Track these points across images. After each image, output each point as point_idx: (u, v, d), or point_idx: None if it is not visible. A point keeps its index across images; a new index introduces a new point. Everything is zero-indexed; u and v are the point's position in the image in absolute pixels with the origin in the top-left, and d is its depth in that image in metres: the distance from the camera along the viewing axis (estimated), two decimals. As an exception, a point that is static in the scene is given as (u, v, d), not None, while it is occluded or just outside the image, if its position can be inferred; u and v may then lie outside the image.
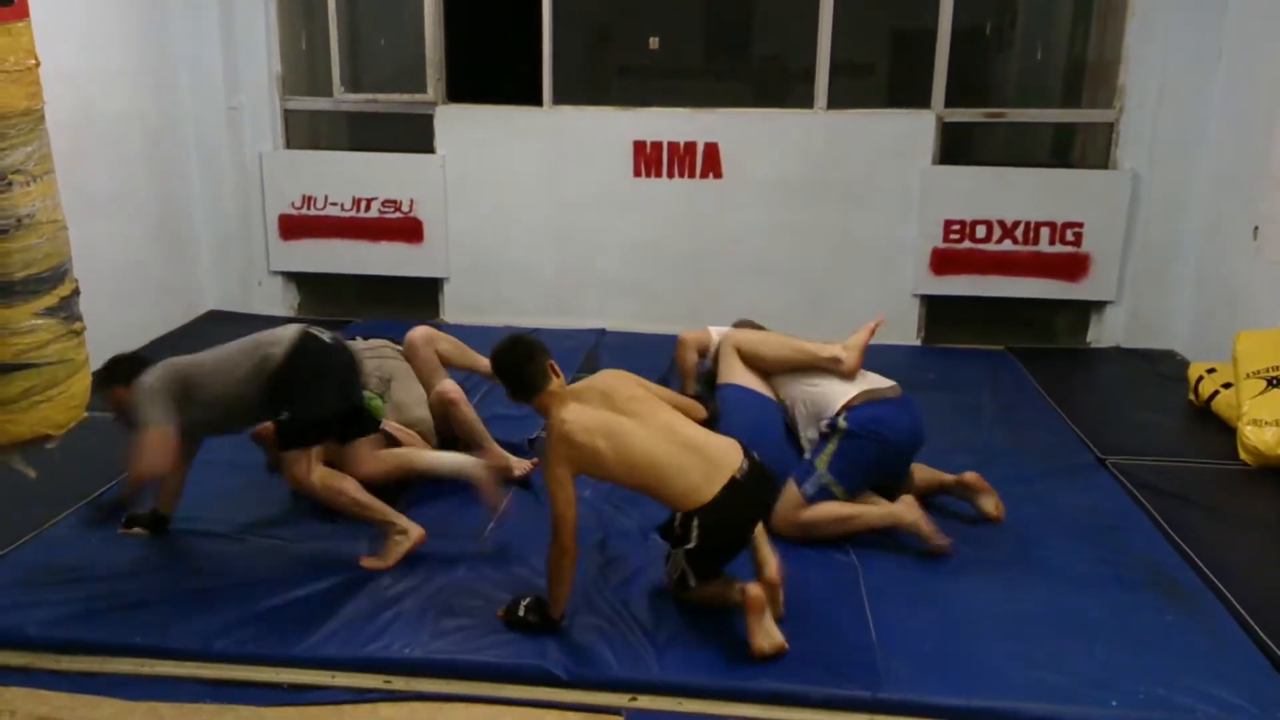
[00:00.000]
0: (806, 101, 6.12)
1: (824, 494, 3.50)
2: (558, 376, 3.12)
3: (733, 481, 2.94)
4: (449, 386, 4.14)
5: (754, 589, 2.91)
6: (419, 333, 4.28)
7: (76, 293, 3.03)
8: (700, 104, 6.21)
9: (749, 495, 2.99)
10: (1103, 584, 3.31)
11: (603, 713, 2.75)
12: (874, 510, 3.51)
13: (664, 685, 2.80)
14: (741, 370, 3.71)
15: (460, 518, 3.72)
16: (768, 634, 2.89)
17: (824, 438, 3.55)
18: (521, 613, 3.03)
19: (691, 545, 2.96)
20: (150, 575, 3.29)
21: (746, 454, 3.03)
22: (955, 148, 6.22)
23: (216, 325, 6.42)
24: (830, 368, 3.70)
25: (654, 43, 6.45)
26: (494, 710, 2.76)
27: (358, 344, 4.26)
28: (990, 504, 3.73)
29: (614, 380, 3.19)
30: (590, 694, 2.80)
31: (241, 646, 2.92)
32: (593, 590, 3.22)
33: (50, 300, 2.90)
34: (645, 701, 2.77)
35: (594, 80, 6.91)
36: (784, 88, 6.65)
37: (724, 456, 2.99)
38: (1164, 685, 2.79)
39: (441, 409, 4.12)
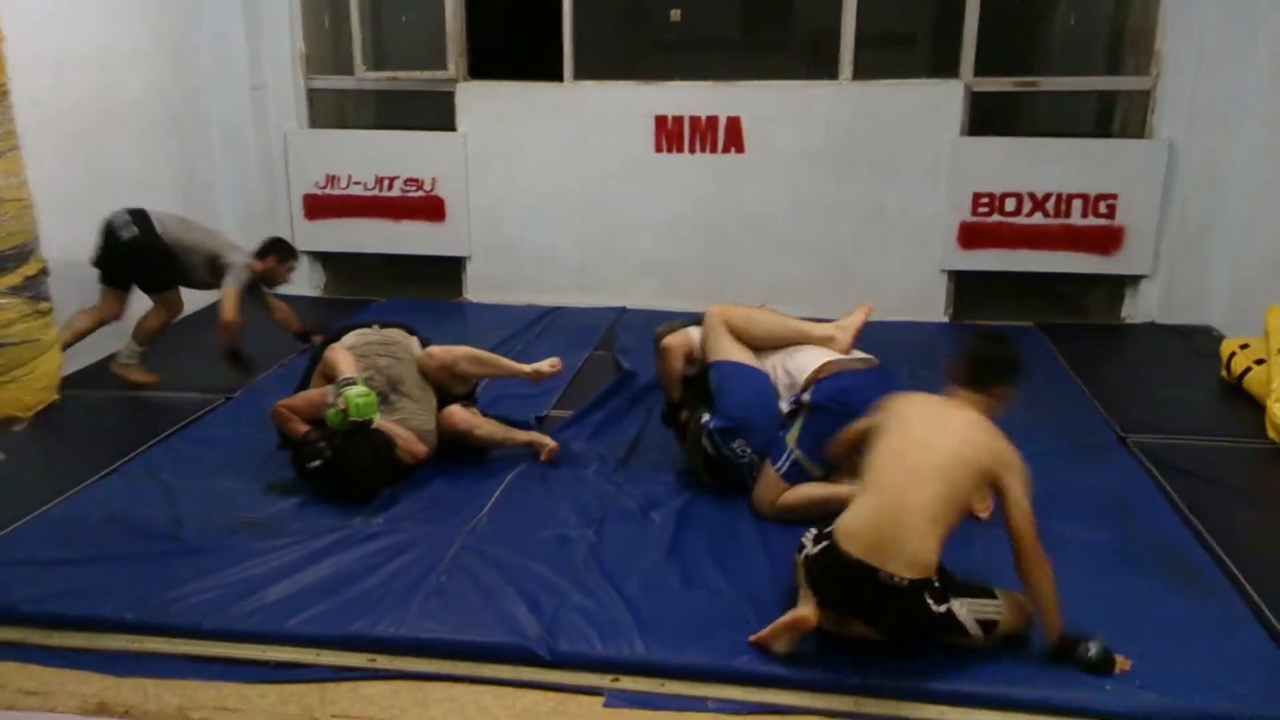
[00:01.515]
0: (835, 73, 6.00)
1: (798, 471, 3.43)
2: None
3: (871, 571, 2.60)
4: (458, 418, 3.97)
5: (809, 615, 2.71)
6: (435, 357, 4.05)
7: (44, 272, 3.01)
8: (727, 78, 6.12)
9: (868, 596, 2.63)
10: (1110, 565, 3.21)
11: (585, 693, 2.71)
12: (850, 491, 3.43)
13: (647, 666, 2.76)
14: (732, 345, 3.62)
15: (457, 497, 3.70)
16: (783, 641, 2.74)
17: (792, 413, 3.47)
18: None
19: (811, 550, 2.77)
20: (141, 555, 3.29)
21: (915, 586, 2.60)
22: (989, 119, 6.07)
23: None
24: (822, 346, 3.61)
25: (675, 15, 6.34)
26: (476, 689, 2.73)
27: (372, 332, 4.18)
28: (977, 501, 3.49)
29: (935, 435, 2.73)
30: (573, 674, 2.76)
31: (230, 624, 2.92)
32: (584, 570, 3.18)
33: (14, 279, 2.89)
34: (627, 682, 2.73)
35: (617, 55, 6.81)
36: (814, 59, 6.50)
37: (895, 555, 2.59)
38: (1165, 669, 2.68)
39: (456, 435, 3.99)
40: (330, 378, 3.81)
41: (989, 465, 2.66)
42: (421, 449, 3.89)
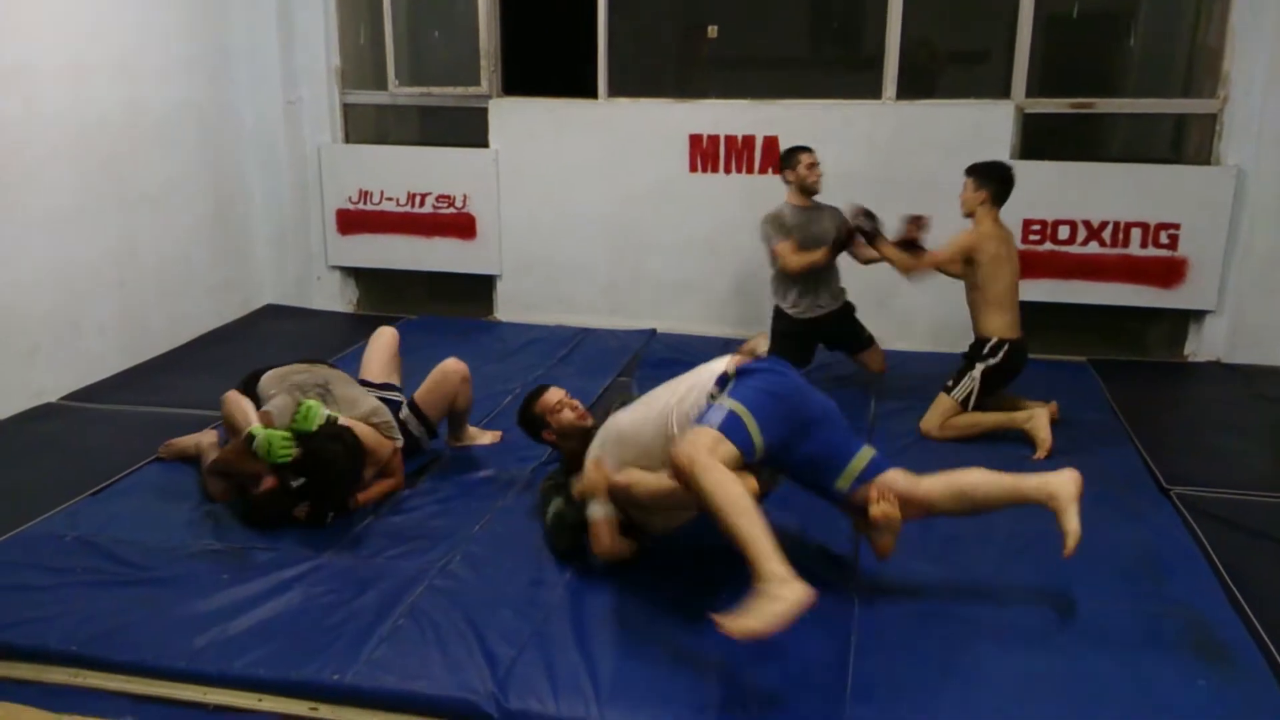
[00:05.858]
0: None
1: (734, 422, 2.90)
2: None
3: None
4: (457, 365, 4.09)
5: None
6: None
7: None
8: (768, 96, 5.89)
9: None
10: (1130, 639, 2.89)
11: (532, 756, 2.52)
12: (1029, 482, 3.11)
13: (600, 729, 2.55)
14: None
15: (437, 530, 3.53)
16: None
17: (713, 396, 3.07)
18: None
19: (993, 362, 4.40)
20: (103, 582, 3.17)
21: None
22: (1051, 142, 5.75)
23: (274, 320, 6.43)
24: None
25: (712, 31, 6.14)
26: (418, 746, 2.56)
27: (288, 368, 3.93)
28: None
29: None
30: (521, 734, 2.56)
31: (172, 662, 2.78)
32: (553, 619, 2.97)
33: None
34: (579, 745, 2.53)
35: (654, 71, 6.61)
36: (857, 76, 6.24)
37: None
38: (1178, 765, 2.39)
39: (454, 384, 4.04)
40: (237, 432, 3.57)
41: None
42: (388, 444, 3.75)
